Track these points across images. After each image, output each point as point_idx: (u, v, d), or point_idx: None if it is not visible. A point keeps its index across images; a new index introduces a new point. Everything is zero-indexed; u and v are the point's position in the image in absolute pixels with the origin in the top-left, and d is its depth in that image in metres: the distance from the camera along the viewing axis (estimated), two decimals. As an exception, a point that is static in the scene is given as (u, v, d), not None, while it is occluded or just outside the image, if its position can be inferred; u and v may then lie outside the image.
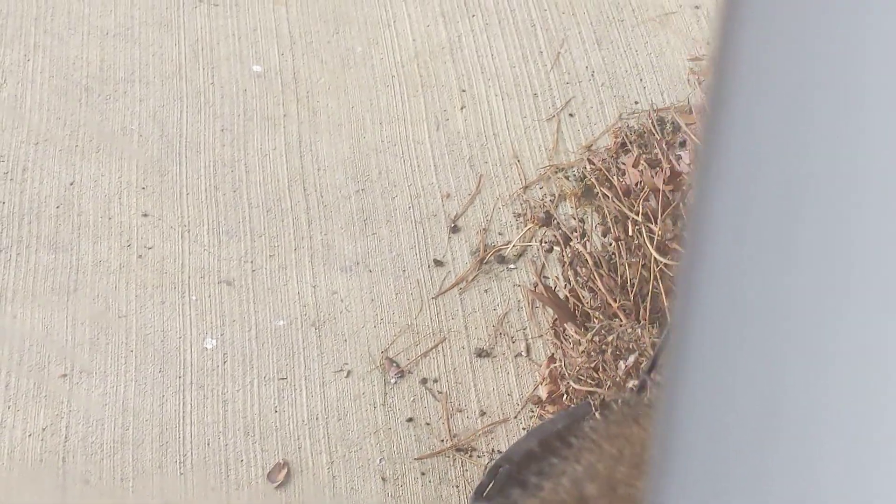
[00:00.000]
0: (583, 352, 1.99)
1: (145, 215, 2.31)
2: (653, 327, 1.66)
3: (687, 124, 2.39)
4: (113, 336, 2.14)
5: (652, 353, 1.50)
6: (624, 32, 2.62)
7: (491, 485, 1.53)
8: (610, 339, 1.52)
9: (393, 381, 2.09)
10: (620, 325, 1.55)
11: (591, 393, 1.55)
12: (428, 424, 2.04)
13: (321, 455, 2.00)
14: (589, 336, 1.58)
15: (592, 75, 2.53)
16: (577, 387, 1.98)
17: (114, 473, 1.97)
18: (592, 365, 1.56)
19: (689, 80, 2.52)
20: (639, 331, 1.53)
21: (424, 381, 2.10)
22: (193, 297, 2.19)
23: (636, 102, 2.47)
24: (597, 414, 1.52)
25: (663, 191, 1.95)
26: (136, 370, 2.09)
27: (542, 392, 2.05)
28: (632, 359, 1.50)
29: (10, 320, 2.15)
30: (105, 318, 2.16)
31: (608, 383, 1.51)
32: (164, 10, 2.67)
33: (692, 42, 2.59)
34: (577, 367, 2.02)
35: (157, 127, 2.45)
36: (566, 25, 2.63)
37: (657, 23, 2.64)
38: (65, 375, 2.09)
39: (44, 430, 2.02)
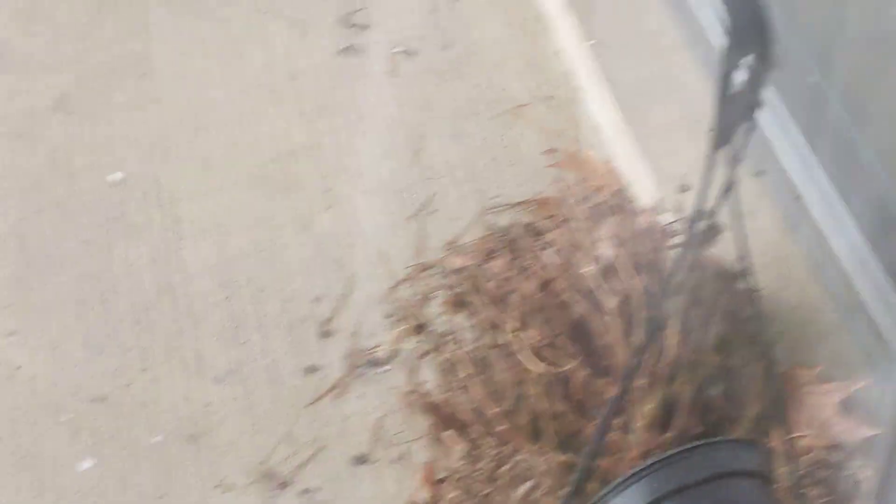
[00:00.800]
0: (462, 459, 2.03)
1: (12, 334, 2.29)
2: (549, 452, 1.69)
3: (546, 217, 2.44)
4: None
5: (549, 480, 1.53)
6: (480, 126, 2.66)
7: None
8: (504, 468, 1.54)
9: (273, 493, 2.09)
10: (516, 454, 1.58)
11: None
12: (314, 539, 2.04)
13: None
14: (483, 463, 1.60)
15: (452, 170, 2.57)
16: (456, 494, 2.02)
17: None
18: (486, 493, 1.58)
19: (546, 172, 2.56)
20: (535, 459, 1.55)
21: (306, 491, 2.09)
22: (67, 417, 2.17)
23: (496, 196, 2.51)
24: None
25: (537, 297, 1.99)
26: (15, 496, 2.07)
27: (423, 497, 2.06)
28: (527, 485, 1.53)
29: None
30: (-23, 444, 2.15)
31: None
32: (19, 121, 2.66)
33: (546, 133, 2.64)
34: (458, 472, 2.05)
35: (17, 241, 2.44)
36: (424, 121, 2.67)
37: (511, 115, 2.68)
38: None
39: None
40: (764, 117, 2.48)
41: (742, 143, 1.14)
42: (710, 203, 1.27)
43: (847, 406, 2.04)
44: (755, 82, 1.06)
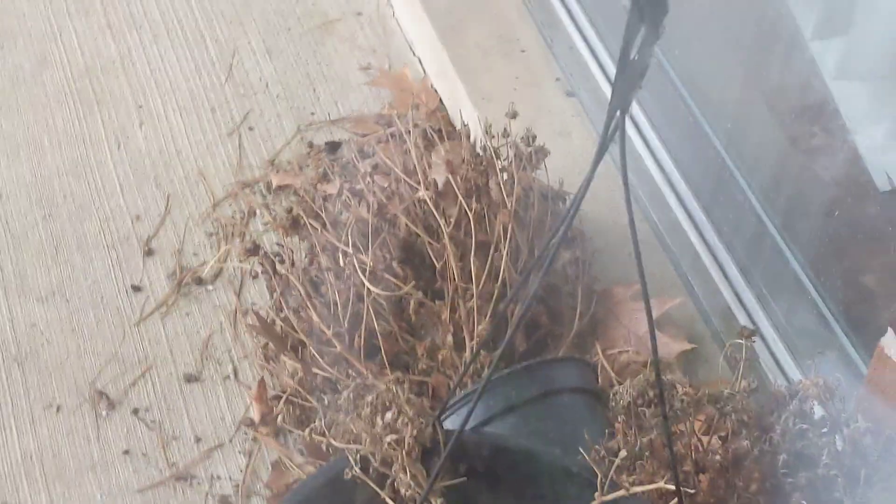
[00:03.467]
0: (298, 379, 2.07)
1: None
2: (404, 384, 1.73)
3: (363, 135, 2.49)
4: None
5: (408, 409, 1.58)
6: (292, 42, 2.68)
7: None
8: (370, 400, 1.58)
9: (104, 413, 2.11)
10: (378, 386, 1.62)
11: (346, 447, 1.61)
12: (145, 455, 2.06)
13: (40, 495, 2.01)
14: (346, 395, 1.64)
15: (267, 87, 2.60)
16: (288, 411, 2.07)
17: None
18: (342, 418, 1.62)
19: (362, 89, 2.61)
20: (396, 391, 1.60)
21: (136, 410, 2.12)
22: None
23: (312, 113, 2.55)
24: (356, 468, 1.60)
25: (371, 221, 2.02)
26: None
27: (255, 414, 2.10)
28: (389, 415, 1.58)
29: None
30: None
31: (363, 442, 1.58)
32: None
33: (359, 50, 2.69)
34: (289, 390, 2.10)
35: None
36: (235, 36, 2.68)
37: (323, 31, 2.71)
38: None
39: None
40: (576, 38, 2.57)
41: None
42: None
43: (662, 322, 2.14)
44: (645, 51, 1.13)
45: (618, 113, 1.23)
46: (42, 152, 2.45)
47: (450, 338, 1.98)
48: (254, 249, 2.23)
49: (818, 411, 1.76)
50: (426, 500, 1.56)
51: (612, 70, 2.47)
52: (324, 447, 1.84)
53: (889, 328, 1.68)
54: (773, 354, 2.10)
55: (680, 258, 2.27)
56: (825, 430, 1.74)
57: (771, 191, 2.23)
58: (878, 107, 2.30)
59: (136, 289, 2.27)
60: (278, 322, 2.13)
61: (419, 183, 2.05)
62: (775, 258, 2.17)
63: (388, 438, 1.59)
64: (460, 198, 2.02)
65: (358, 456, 1.61)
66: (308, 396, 2.04)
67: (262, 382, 2.12)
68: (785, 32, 2.39)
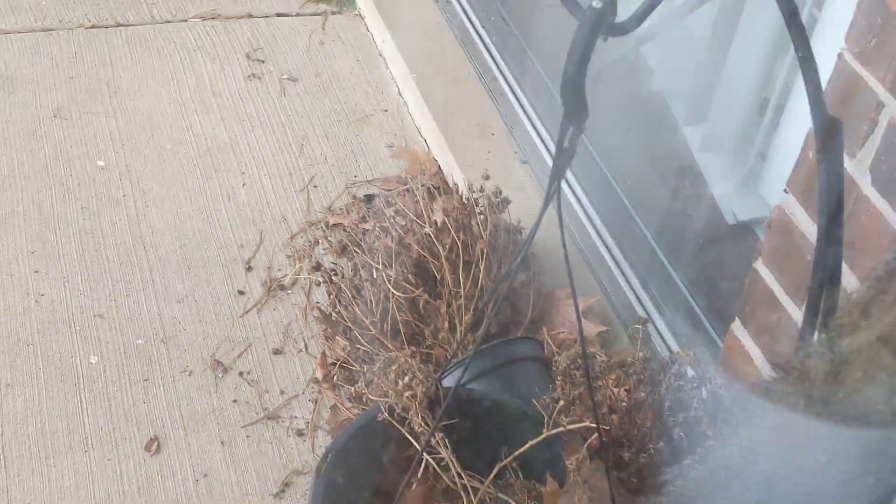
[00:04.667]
0: (350, 354, 2.06)
1: (36, 272, 2.25)
2: (417, 356, 1.73)
3: (388, 190, 2.48)
4: (28, 361, 2.09)
5: (419, 373, 1.57)
6: (342, 129, 2.67)
7: (324, 466, 1.57)
8: (394, 367, 1.58)
9: (220, 375, 2.10)
10: (399, 359, 1.61)
11: (378, 400, 1.60)
12: (247, 402, 2.05)
13: (179, 430, 2.00)
14: (378, 364, 1.63)
15: (325, 159, 2.59)
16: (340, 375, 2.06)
17: (37, 454, 1.93)
18: (376, 380, 1.62)
19: (387, 160, 2.60)
20: (411, 361, 1.59)
21: (241, 373, 2.10)
22: (77, 328, 2.15)
23: (355, 176, 2.54)
24: (385, 414, 1.59)
25: (393, 248, 2.02)
26: (45, 382, 2.05)
27: (319, 375, 2.09)
28: (406, 377, 1.57)
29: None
30: (18, 349, 2.11)
31: (390, 395, 1.57)
32: (30, 124, 2.59)
33: (385, 134, 2.68)
34: (341, 359, 2.09)
35: (36, 209, 2.38)
36: (305, 126, 2.67)
37: (361, 122, 2.71)
38: (-5, 390, 2.03)
39: (-14, 430, 1.97)
40: (528, 126, 2.56)
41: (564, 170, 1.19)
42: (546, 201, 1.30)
43: (586, 313, 2.13)
44: (573, 141, 1.12)
45: (555, 182, 1.22)
46: (178, 203, 2.44)
47: (446, 324, 1.98)
48: (317, 267, 2.25)
49: (690, 372, 1.75)
50: (432, 434, 1.55)
51: (552, 147, 2.47)
52: (364, 398, 1.84)
53: (736, 317, 1.67)
54: (660, 335, 2.09)
55: (598, 271, 2.26)
56: (695, 385, 1.73)
57: (658, 225, 2.22)
58: (726, 170, 2.30)
59: (241, 293, 2.26)
60: (333, 314, 2.13)
61: (425, 222, 2.05)
62: (662, 270, 2.16)
63: (406, 393, 1.58)
64: (452, 232, 2.02)
65: (386, 405, 1.60)
66: (353, 363, 2.04)
67: (323, 354, 2.12)
68: (666, 121, 2.39)
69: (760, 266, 1.60)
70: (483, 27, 2.83)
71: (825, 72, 1.38)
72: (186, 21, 2.95)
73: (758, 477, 0.91)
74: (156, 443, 1.98)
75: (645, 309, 2.14)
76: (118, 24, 2.91)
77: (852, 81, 1.38)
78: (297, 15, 3.02)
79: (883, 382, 0.71)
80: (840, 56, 1.40)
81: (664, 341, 2.06)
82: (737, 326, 1.67)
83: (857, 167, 1.38)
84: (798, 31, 1.08)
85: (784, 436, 0.82)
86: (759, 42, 2.18)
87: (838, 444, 0.77)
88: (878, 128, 1.35)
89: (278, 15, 3.01)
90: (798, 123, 2.03)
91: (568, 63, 1.05)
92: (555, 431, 1.60)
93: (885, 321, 0.75)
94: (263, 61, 2.85)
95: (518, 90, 2.65)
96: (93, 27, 2.89)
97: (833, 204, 1.07)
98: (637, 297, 2.16)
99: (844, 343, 0.77)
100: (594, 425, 1.58)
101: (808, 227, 1.48)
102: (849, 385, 0.73)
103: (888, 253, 1.30)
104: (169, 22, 2.94)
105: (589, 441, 1.61)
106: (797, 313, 1.52)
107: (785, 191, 1.54)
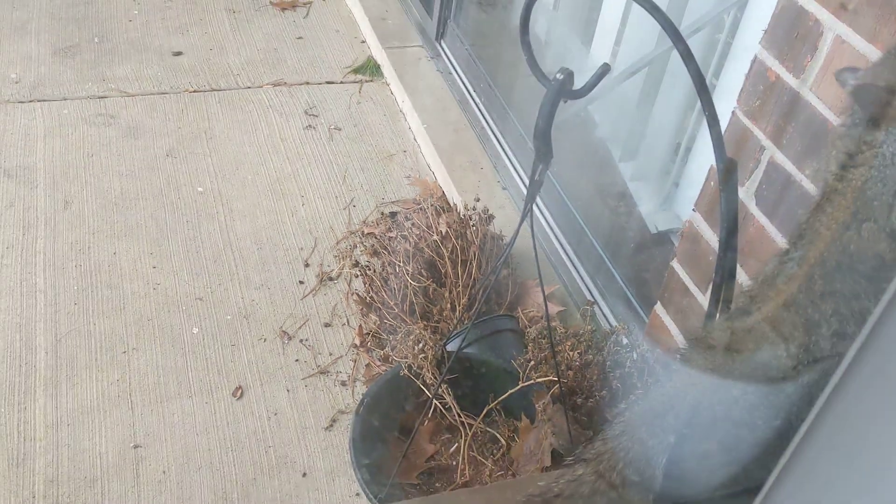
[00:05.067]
0: (379, 326, 2.05)
1: (154, 267, 2.25)
2: (427, 329, 1.72)
3: (407, 209, 2.47)
4: (149, 331, 2.08)
5: (430, 341, 1.56)
6: (373, 165, 2.66)
7: (361, 408, 1.56)
8: (411, 337, 1.57)
9: (286, 341, 2.09)
10: (415, 330, 1.60)
11: (400, 360, 1.59)
12: (305, 361, 2.04)
13: (256, 381, 1.99)
14: (400, 335, 1.63)
15: (361, 186, 2.57)
16: (373, 345, 2.04)
17: (155, 399, 1.92)
18: (399, 346, 1.61)
19: (406, 187, 2.59)
20: (423, 333, 1.59)
21: (302, 341, 2.09)
22: (183, 307, 2.15)
23: (383, 199, 2.53)
24: (405, 371, 1.58)
25: (411, 251, 2.00)
26: (160, 347, 2.04)
27: (357, 341, 2.08)
28: (420, 345, 1.56)
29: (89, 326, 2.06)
30: (141, 322, 2.10)
31: (409, 357, 1.56)
32: (150, 161, 2.58)
33: (404, 168, 2.67)
34: (374, 330, 2.08)
35: (153, 222, 2.38)
36: (346, 162, 2.66)
37: (387, 160, 2.70)
38: (125, 352, 2.02)
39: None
40: (507, 164, 2.54)
41: (535, 196, 1.18)
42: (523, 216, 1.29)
43: (549, 297, 2.13)
44: (541, 175, 1.11)
45: (529, 204, 1.21)
46: (256, 218, 2.43)
47: (448, 306, 1.97)
48: (356, 264, 2.23)
49: (625, 341, 1.74)
50: (439, 385, 1.54)
51: (525, 178, 2.46)
52: (389, 359, 1.83)
53: (658, 301, 1.67)
54: (603, 313, 2.08)
55: (558, 267, 2.25)
56: (628, 350, 1.72)
57: (603, 236, 2.21)
58: (650, 194, 2.29)
59: (301, 282, 2.25)
60: (367, 298, 2.12)
61: (434, 232, 2.04)
62: (604, 266, 2.15)
63: (420, 355, 1.57)
64: (453, 239, 2.01)
65: (406, 364, 1.59)
66: (382, 334, 2.03)
67: (360, 327, 2.10)
68: (607, 159, 2.38)
69: (675, 264, 1.60)
70: (475, 91, 2.83)
71: (723, 123, 1.37)
72: (262, 87, 2.94)
73: (673, 417, 0.91)
74: (240, 390, 1.97)
75: (592, 294, 2.13)
76: (212, 89, 2.90)
77: (742, 132, 1.38)
78: (341, 83, 3.01)
79: (767, 351, 0.71)
80: (734, 113, 1.40)
81: (606, 318, 2.06)
82: (658, 308, 1.67)
83: (746, 193, 1.38)
84: (705, 96, 1.07)
85: (692, 389, 0.82)
86: (674, 102, 2.17)
87: (733, 395, 0.77)
88: (760, 165, 1.35)
89: (328, 82, 3.00)
90: (702, 161, 2.02)
91: (538, 119, 1.04)
92: (528, 383, 1.60)
93: (768, 307, 0.75)
94: (317, 116, 2.84)
95: (500, 136, 2.65)
96: (195, 91, 2.88)
97: (730, 221, 1.07)
98: (586, 285, 2.16)
99: (740, 322, 0.76)
100: (556, 379, 1.57)
101: (711, 237, 1.48)
102: (743, 353, 0.73)
103: (769, 255, 1.29)
104: (248, 88, 2.93)
105: (552, 390, 1.60)
106: (702, 298, 1.52)
107: (693, 210, 1.53)
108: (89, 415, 1.87)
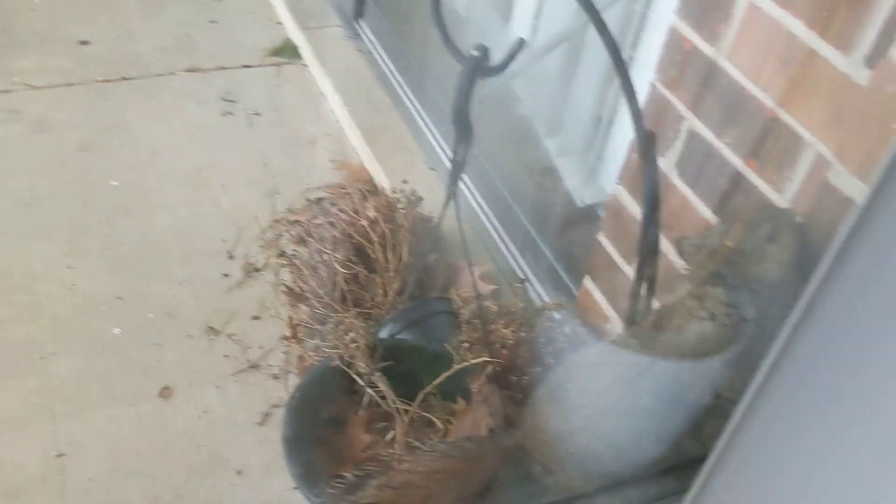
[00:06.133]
0: (310, 317, 2.01)
1: (69, 267, 2.16)
2: (359, 316, 1.69)
3: (332, 194, 2.43)
4: (67, 334, 2.00)
5: (361, 329, 1.53)
6: (297, 150, 2.61)
7: (292, 401, 1.53)
8: (342, 326, 1.54)
9: (213, 337, 2.04)
10: (346, 319, 1.57)
11: (331, 351, 1.56)
12: (235, 357, 1.99)
13: (184, 380, 1.93)
14: (331, 325, 1.59)
15: (285, 172, 2.52)
16: (304, 337, 2.00)
17: (77, 404, 1.86)
18: (330, 337, 1.58)
19: (332, 172, 2.55)
20: (354, 321, 1.56)
21: (230, 335, 2.04)
22: (103, 307, 2.07)
23: (308, 184, 2.48)
24: (337, 361, 1.55)
25: (339, 237, 1.97)
26: (80, 350, 1.97)
27: (288, 333, 2.04)
28: (352, 334, 1.53)
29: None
30: (59, 326, 2.02)
31: (340, 347, 1.53)
32: (60, 156, 2.47)
33: (329, 152, 2.63)
34: (304, 321, 2.04)
35: (66, 220, 2.28)
36: (268, 148, 2.60)
37: (311, 144, 2.65)
38: (43, 358, 1.93)
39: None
40: (434, 144, 2.53)
41: (457, 177, 1.17)
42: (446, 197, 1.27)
43: (481, 277, 2.12)
44: (464, 155, 1.09)
45: (453, 184, 1.19)
46: (175, 211, 2.36)
47: (380, 291, 1.95)
48: (282, 253, 2.18)
49: (556, 316, 1.75)
50: (371, 373, 1.52)
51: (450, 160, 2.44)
52: (321, 350, 1.80)
53: (587, 275, 1.67)
54: (535, 290, 2.08)
55: (489, 246, 2.25)
56: (559, 324, 1.73)
57: (530, 211, 2.22)
58: (575, 168, 2.29)
59: (226, 275, 2.20)
60: (296, 288, 2.08)
61: (361, 217, 2.01)
62: (533, 243, 2.15)
63: (352, 344, 1.55)
64: (382, 223, 1.98)
65: (337, 354, 1.56)
66: (313, 323, 1.99)
67: (290, 318, 2.06)
68: (532, 135, 2.38)
69: (602, 238, 1.60)
70: (397, 70, 2.79)
71: (641, 96, 1.38)
72: (175, 74, 2.85)
73: (599, 384, 0.91)
74: (167, 391, 1.91)
75: (523, 272, 2.13)
76: (123, 79, 2.80)
77: (661, 103, 1.38)
78: (259, 66, 2.94)
79: (693, 327, 0.71)
80: (652, 84, 1.40)
81: (538, 295, 2.06)
82: (587, 282, 1.67)
83: (667, 164, 1.39)
84: (621, 68, 1.07)
85: (618, 365, 0.82)
86: (594, 77, 2.18)
87: (660, 369, 0.77)
88: (680, 135, 1.36)
89: (244, 67, 2.93)
90: (624, 135, 2.04)
91: (455, 97, 1.02)
92: (462, 365, 1.59)
93: (692, 283, 0.75)
94: (235, 101, 2.77)
95: (425, 116, 2.62)
96: (104, 81, 2.77)
97: (652, 196, 1.07)
98: (517, 263, 2.16)
99: (666, 299, 0.76)
100: (490, 359, 1.57)
101: (635, 210, 1.49)
102: (669, 328, 0.73)
103: (691, 224, 1.30)
104: (161, 75, 2.84)
105: (486, 370, 1.60)
106: (628, 270, 1.53)
107: (617, 182, 1.54)
108: (8, 425, 1.79)
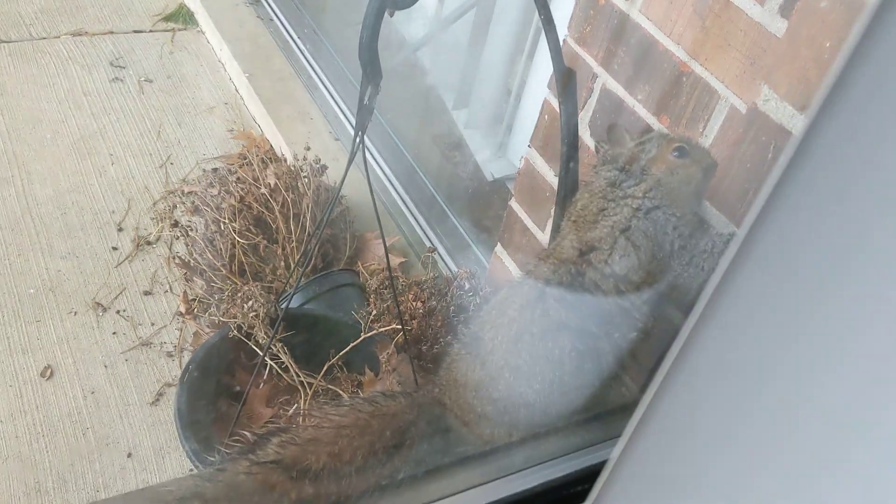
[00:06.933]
0: (206, 291, 1.91)
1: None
2: (257, 286, 1.61)
3: (231, 163, 2.32)
4: None
5: (261, 299, 1.46)
6: (192, 119, 2.49)
7: (186, 376, 1.44)
8: (239, 294, 1.45)
9: (100, 313, 1.92)
10: (244, 287, 1.49)
11: (230, 321, 1.48)
12: (125, 334, 1.89)
13: (68, 358, 1.82)
14: (227, 293, 1.51)
15: (179, 141, 2.41)
16: (201, 311, 1.91)
17: None
18: (226, 307, 1.49)
19: (229, 141, 2.44)
20: (253, 289, 1.48)
21: (119, 312, 1.93)
22: (-24, 283, 1.91)
23: (204, 154, 2.38)
24: (234, 332, 1.47)
25: (237, 206, 1.88)
26: None
27: (182, 308, 1.95)
28: (250, 303, 1.45)
29: None
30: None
31: (238, 316, 1.45)
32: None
33: (227, 121, 2.52)
34: (199, 295, 1.94)
35: None
36: (160, 117, 2.48)
37: (207, 112, 2.53)
38: None
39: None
40: (338, 112, 2.45)
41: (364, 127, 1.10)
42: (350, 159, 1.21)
43: (390, 248, 2.07)
44: (372, 99, 1.03)
45: (358, 134, 1.13)
46: (58, 181, 2.21)
47: (282, 263, 1.87)
48: (175, 224, 2.07)
49: (467, 285, 1.71)
50: (270, 344, 1.45)
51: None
52: (218, 323, 1.71)
53: (498, 242, 1.64)
54: (444, 260, 2.05)
55: (397, 217, 2.20)
56: (471, 293, 1.69)
57: (439, 183, 2.18)
58: (484, 141, 2.27)
59: (115, 249, 2.08)
60: (191, 261, 1.98)
61: (261, 185, 1.92)
62: (443, 214, 2.12)
63: (251, 314, 1.47)
64: (283, 191, 1.90)
65: (235, 324, 1.48)
66: (210, 297, 1.90)
67: (185, 293, 1.96)
68: (440, 107, 2.34)
69: (514, 203, 1.57)
70: (298, 37, 2.70)
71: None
72: (59, 37, 2.67)
73: (508, 316, 0.87)
74: (49, 370, 1.79)
75: (432, 242, 2.09)
76: (1, 41, 2.60)
77: (574, 60, 1.35)
78: (151, 31, 2.79)
79: (618, 261, 0.68)
80: (564, 41, 1.37)
81: (447, 265, 2.03)
82: (499, 249, 1.64)
83: (580, 124, 1.36)
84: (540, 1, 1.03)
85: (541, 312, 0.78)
86: (503, 47, 2.15)
87: (579, 310, 0.74)
88: (594, 93, 1.33)
89: (135, 31, 2.77)
90: (532, 106, 2.01)
91: (363, 31, 0.96)
92: (369, 335, 1.53)
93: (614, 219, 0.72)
94: (124, 67, 2.62)
95: (329, 84, 2.54)
96: (-23, 42, 2.58)
97: (570, 133, 1.04)
98: (426, 234, 2.12)
99: (589, 234, 0.73)
100: (399, 328, 1.52)
101: (547, 171, 1.46)
102: (593, 264, 0.69)
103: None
104: (44, 38, 2.66)
105: (395, 339, 1.55)
106: (541, 235, 1.50)
107: (529, 146, 1.51)
108: None
